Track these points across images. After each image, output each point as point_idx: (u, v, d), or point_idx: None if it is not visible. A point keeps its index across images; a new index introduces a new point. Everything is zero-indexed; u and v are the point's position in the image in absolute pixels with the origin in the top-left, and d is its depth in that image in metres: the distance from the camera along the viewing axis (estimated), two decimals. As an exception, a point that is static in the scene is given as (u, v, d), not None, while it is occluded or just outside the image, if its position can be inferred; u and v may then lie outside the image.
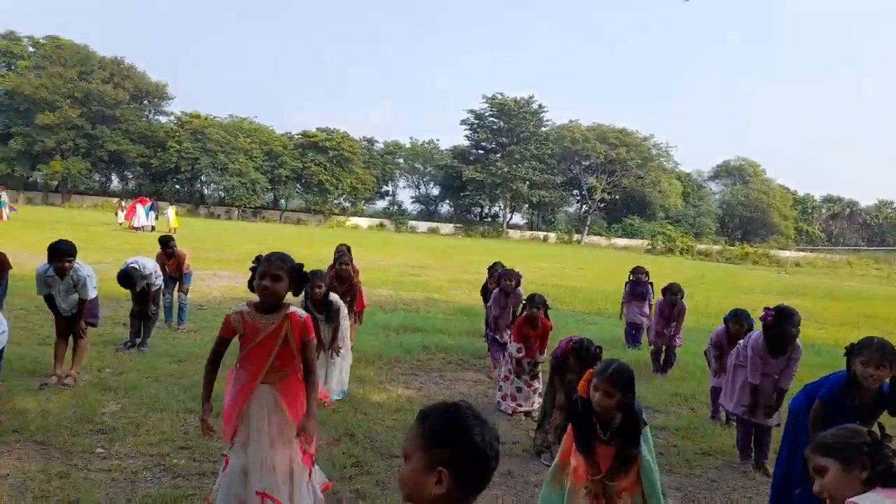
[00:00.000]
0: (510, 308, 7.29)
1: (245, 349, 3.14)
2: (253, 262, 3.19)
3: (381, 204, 67.87)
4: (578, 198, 66.42)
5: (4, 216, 26.41)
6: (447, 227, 60.26)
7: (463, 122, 62.19)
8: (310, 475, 3.22)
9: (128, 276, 6.86)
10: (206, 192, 61.03)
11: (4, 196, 27.85)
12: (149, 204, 28.65)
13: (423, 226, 60.38)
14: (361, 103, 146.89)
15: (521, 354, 5.98)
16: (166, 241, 8.43)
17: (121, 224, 28.54)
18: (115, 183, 63.65)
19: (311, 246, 23.16)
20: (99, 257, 14.29)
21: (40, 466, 4.01)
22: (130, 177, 61.83)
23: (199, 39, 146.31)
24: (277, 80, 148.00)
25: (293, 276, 3.14)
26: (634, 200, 63.22)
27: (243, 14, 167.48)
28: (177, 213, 28.69)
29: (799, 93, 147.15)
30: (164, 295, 8.35)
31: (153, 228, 27.14)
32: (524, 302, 6.11)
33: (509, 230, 61.94)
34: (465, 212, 64.15)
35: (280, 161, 57.39)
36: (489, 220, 64.42)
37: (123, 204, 30.94)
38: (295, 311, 3.19)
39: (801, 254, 54.10)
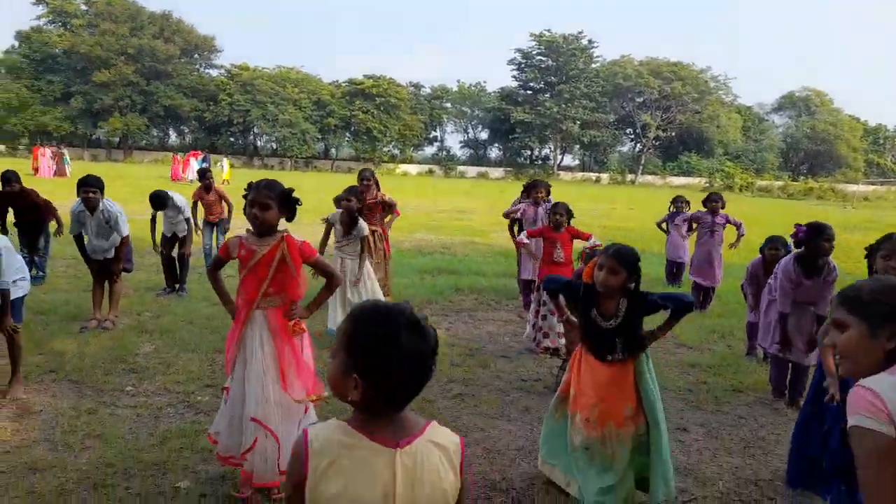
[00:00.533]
0: (540, 223, 7.02)
1: (242, 275, 3.19)
2: (245, 190, 3.18)
3: (429, 150, 67.47)
4: (632, 136, 64.30)
5: (67, 172, 27.51)
6: (496, 172, 59.50)
7: (510, 62, 60.54)
8: (305, 411, 3.26)
9: (159, 198, 7.05)
10: (259, 143, 61.96)
11: (66, 154, 28.97)
12: (201, 156, 29.27)
13: (472, 171, 59.82)
14: (407, 48, 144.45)
15: (526, 241, 5.89)
16: (203, 174, 8.69)
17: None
18: (174, 137, 65.29)
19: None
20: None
21: (72, 403, 4.22)
22: (187, 131, 63.27)
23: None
24: (322, 28, 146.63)
25: (283, 203, 3.15)
26: (691, 137, 60.74)
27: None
28: (231, 166, 29.24)
29: (873, 15, 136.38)
30: (203, 243, 8.59)
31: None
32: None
33: (560, 172, 60.71)
34: (514, 155, 63.12)
35: (328, 110, 57.48)
36: (539, 162, 63.23)
37: (179, 157, 31.74)
38: (289, 234, 3.21)
39: (871, 187, 51.16)
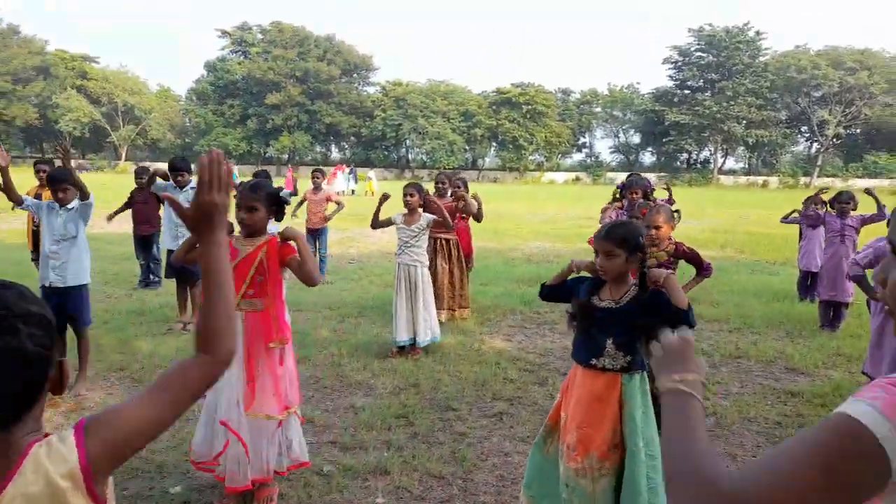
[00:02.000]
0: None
1: None
2: (234, 193, 3.14)
3: (577, 157, 66.01)
4: (806, 135, 58.18)
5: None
6: (649, 177, 56.49)
7: (665, 60, 57.56)
8: (279, 425, 3.12)
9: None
10: (409, 156, 64.45)
11: (235, 170, 32.09)
12: (347, 170, 30.99)
13: (622, 176, 57.19)
14: (556, 53, 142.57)
15: None
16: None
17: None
18: (335, 153, 70.02)
19: (510, 201, 23.26)
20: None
21: (118, 402, 4.47)
22: (346, 146, 67.59)
23: (400, 6, 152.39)
24: (473, 40, 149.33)
25: (270, 203, 3.15)
26: (879, 134, 53.65)
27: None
28: (373, 179, 30.61)
29: None
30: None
31: (353, 192, 29.36)
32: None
33: (721, 176, 56.39)
34: (669, 159, 59.76)
35: (475, 120, 58.37)
36: (697, 166, 59.27)
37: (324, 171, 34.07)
38: (275, 236, 3.13)
39: None
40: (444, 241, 6.73)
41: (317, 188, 8.96)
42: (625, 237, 2.60)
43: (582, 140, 64.76)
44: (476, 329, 6.55)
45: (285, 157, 63.50)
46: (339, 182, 29.37)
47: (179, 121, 61.91)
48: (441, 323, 6.07)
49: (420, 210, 5.67)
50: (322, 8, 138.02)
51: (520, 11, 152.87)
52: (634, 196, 6.36)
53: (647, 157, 64.33)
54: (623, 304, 2.61)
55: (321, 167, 9.29)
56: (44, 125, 60.23)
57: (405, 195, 5.58)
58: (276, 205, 3.19)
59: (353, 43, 68.25)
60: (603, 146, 67.13)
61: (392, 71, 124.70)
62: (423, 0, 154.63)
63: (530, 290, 8.39)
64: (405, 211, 5.65)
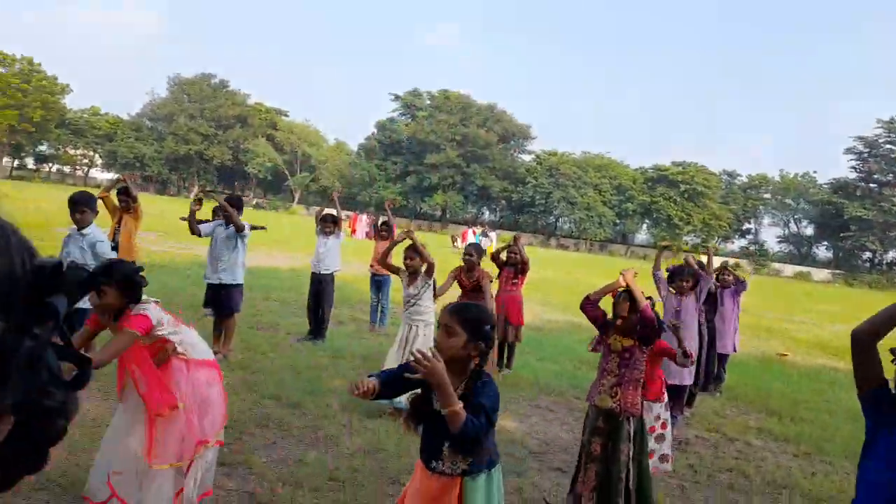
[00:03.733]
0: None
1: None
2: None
3: (739, 242, 61.50)
4: None
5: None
6: (822, 273, 50.99)
7: (848, 150, 52.57)
8: (187, 470, 3.09)
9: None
10: (558, 224, 64.11)
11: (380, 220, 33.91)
12: (480, 231, 31.47)
13: (788, 269, 52.42)
14: (725, 135, 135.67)
15: None
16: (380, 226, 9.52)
17: (456, 248, 32.17)
18: (487, 214, 71.59)
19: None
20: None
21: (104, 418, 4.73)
22: (496, 209, 68.90)
23: (562, 80, 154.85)
24: (635, 116, 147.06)
25: (121, 287, 2.96)
26: None
27: (612, 72, 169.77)
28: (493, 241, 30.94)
29: None
30: (371, 297, 9.10)
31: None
32: None
33: (911, 282, 49.46)
34: (848, 256, 53.68)
35: (628, 195, 56.93)
36: (882, 267, 52.58)
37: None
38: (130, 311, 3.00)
39: None
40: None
41: (384, 238, 9.08)
42: (473, 317, 2.33)
43: (746, 226, 60.45)
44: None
45: (438, 213, 66.05)
46: (470, 241, 29.88)
47: (348, 172, 67.00)
48: None
49: (422, 271, 5.58)
50: (486, 78, 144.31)
51: (681, 92, 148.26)
52: (683, 283, 5.84)
53: (822, 251, 58.39)
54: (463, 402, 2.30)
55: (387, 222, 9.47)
56: (235, 166, 68.29)
57: (406, 258, 5.56)
58: (128, 287, 2.97)
59: (512, 112, 70.19)
60: (769, 234, 61.88)
61: (548, 141, 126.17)
62: (584, 75, 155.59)
63: (588, 374, 7.81)
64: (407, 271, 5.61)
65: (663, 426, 4.78)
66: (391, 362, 5.37)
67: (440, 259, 6.79)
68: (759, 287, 23.52)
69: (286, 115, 72.30)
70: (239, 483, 3.88)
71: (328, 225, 7.87)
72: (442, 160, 60.84)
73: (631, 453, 3.57)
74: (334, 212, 8.05)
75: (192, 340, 3.31)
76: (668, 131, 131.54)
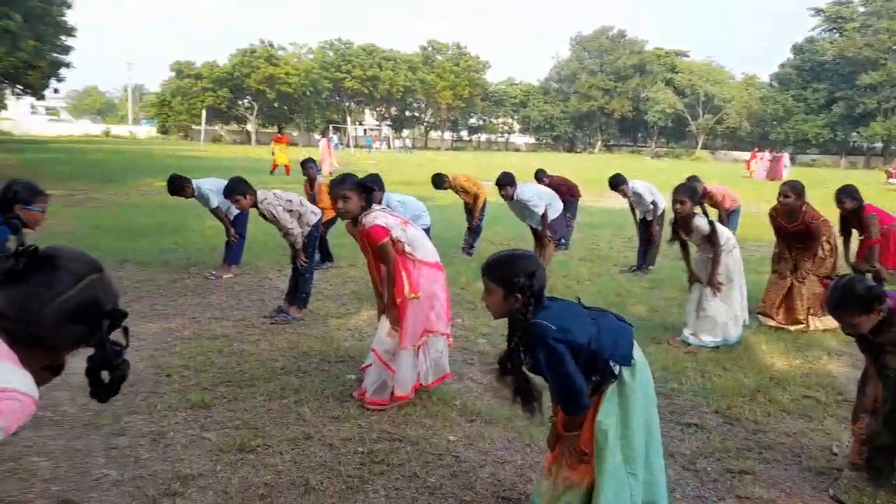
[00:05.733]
0: None
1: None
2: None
3: None
4: None
5: (782, 175, 28.63)
6: None
7: None
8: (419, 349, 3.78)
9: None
10: None
11: (786, 157, 29.97)
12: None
13: None
14: None
15: None
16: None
17: (892, 183, 26.32)
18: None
19: None
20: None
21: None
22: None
23: None
24: None
25: (359, 192, 3.67)
26: None
27: None
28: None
29: None
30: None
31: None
32: None
33: None
34: None
35: None
36: None
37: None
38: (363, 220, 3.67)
39: None
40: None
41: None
42: (498, 269, 2.30)
43: None
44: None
45: (877, 145, 54.77)
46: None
47: (759, 108, 60.51)
48: None
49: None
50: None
51: None
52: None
53: None
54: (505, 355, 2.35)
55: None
56: (635, 117, 68.53)
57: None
58: (364, 191, 3.68)
59: None
60: None
61: None
62: None
63: None
64: None
65: None
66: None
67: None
68: None
69: (686, 56, 68.97)
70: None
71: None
72: (881, 79, 49.92)
73: None
74: None
75: (418, 240, 3.80)
76: None
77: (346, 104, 66.68)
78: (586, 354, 2.27)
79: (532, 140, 78.36)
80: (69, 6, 22.70)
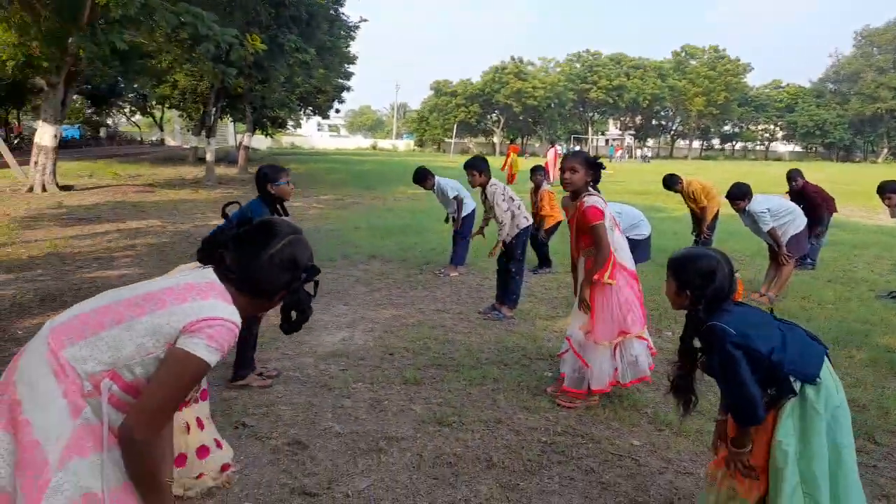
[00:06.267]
0: None
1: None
2: None
3: None
4: None
5: None
6: None
7: None
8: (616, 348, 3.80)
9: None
10: None
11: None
12: None
13: None
14: None
15: None
16: None
17: None
18: None
19: None
20: None
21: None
22: None
23: None
24: None
25: (588, 167, 3.80)
26: None
27: None
28: None
29: None
30: None
31: None
32: None
33: None
34: None
35: None
36: None
37: None
38: (584, 198, 3.77)
39: None
40: None
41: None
42: (678, 265, 2.37)
43: None
44: None
45: None
46: None
47: None
48: None
49: None
50: None
51: None
52: None
53: None
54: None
55: None
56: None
57: None
58: (593, 168, 3.80)
59: None
60: None
61: None
62: None
63: None
64: None
65: None
66: None
67: None
68: None
69: None
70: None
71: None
72: None
73: None
74: None
75: (621, 246, 3.86)
76: None
77: (590, 115, 66.34)
78: (765, 365, 2.22)
79: (797, 148, 69.98)
80: (353, 38, 26.29)
